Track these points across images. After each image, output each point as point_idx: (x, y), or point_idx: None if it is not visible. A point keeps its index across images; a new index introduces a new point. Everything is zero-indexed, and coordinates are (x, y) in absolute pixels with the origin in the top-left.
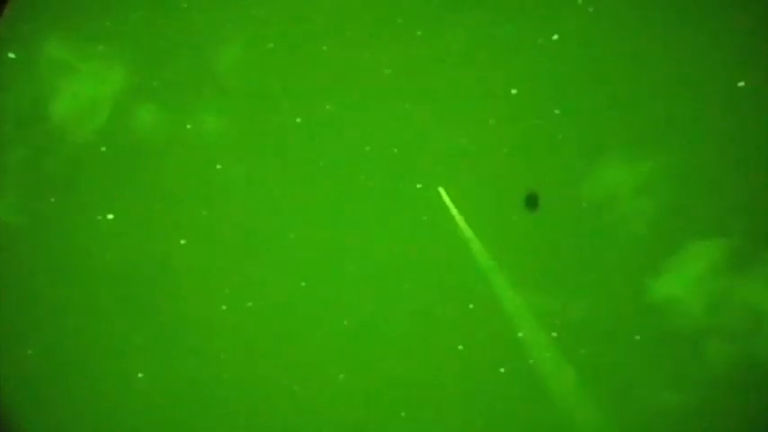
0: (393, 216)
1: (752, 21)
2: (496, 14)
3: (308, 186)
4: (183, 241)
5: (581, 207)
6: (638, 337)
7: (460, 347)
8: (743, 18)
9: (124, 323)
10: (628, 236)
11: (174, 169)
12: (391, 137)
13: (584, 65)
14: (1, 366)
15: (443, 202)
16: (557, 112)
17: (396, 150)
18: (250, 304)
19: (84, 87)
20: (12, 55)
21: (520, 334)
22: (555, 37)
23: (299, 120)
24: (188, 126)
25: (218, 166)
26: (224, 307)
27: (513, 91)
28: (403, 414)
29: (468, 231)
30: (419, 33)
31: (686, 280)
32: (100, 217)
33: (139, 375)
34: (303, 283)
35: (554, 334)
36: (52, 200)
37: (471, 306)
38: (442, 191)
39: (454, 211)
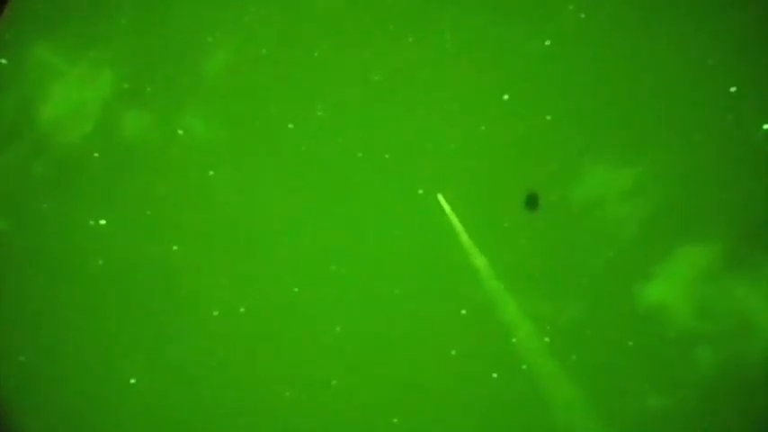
0: (385, 221)
1: (742, 28)
2: (488, 21)
3: (300, 192)
4: (175, 247)
5: (573, 213)
6: (630, 343)
7: (453, 353)
8: (733, 25)
9: (116, 328)
10: (620, 241)
11: (166, 175)
12: (383, 142)
13: (576, 70)
14: None
15: (435, 208)
16: (548, 117)
17: (387, 156)
18: (242, 310)
19: (75, 93)
20: (4, 61)
21: (512, 339)
22: (547, 43)
23: (291, 126)
24: (180, 132)
25: (211, 173)
26: (216, 312)
27: (505, 96)
28: (395, 420)
29: (459, 237)
30: (411, 39)
31: (678, 284)
32: (92, 222)
33: (132, 381)
34: (296, 289)
35: (546, 339)
36: (45, 205)
37: (464, 312)
38: (433, 197)
39: (445, 216)
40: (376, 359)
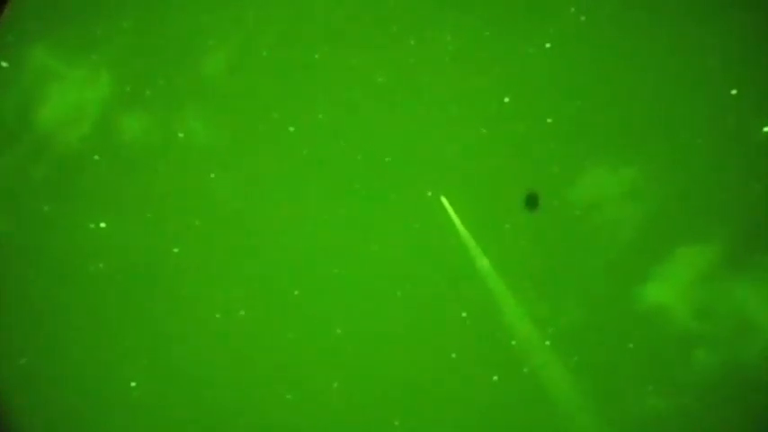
0: (385, 225)
1: (743, 30)
2: (490, 23)
3: (301, 195)
4: (176, 249)
5: (574, 215)
6: (631, 345)
7: (453, 356)
8: (734, 28)
9: (117, 331)
10: (620, 243)
11: (166, 178)
12: (383, 145)
13: (577, 73)
14: None
15: (435, 211)
16: (549, 120)
17: (388, 159)
18: (243, 313)
19: (76, 96)
20: (4, 64)
21: (513, 342)
22: (547, 45)
23: (292, 128)
24: (180, 135)
25: (211, 175)
26: (217, 315)
27: (506, 99)
28: (396, 422)
29: (459, 239)
30: (412, 42)
31: (679, 285)
32: (93, 225)
33: (132, 384)
34: (296, 292)
35: (547, 342)
36: (45, 208)
37: (464, 314)
38: (433, 199)
39: (445, 219)
40: (377, 361)
